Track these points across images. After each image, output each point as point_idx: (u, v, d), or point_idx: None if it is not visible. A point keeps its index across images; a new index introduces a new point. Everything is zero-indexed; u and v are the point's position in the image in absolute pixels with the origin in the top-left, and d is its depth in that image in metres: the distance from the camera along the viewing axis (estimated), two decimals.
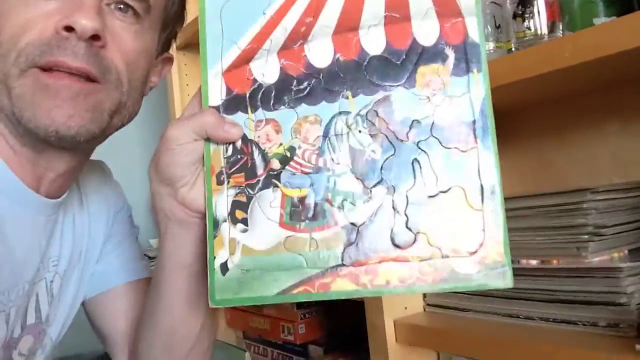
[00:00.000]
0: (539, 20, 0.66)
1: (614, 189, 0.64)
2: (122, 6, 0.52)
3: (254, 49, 0.50)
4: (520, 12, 0.65)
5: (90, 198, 0.66)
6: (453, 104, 0.48)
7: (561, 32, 0.66)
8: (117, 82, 0.52)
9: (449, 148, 0.48)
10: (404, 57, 0.48)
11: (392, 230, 0.48)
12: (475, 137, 0.47)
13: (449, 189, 0.47)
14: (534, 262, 0.64)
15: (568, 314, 0.62)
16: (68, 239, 0.62)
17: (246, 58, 0.50)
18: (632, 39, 0.52)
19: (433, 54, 0.48)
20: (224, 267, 0.49)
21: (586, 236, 0.60)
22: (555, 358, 0.57)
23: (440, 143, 0.48)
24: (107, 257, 0.68)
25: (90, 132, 0.51)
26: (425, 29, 0.48)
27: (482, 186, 0.47)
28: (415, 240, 0.47)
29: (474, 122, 0.47)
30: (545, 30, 0.66)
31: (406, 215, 0.48)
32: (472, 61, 0.47)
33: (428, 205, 0.47)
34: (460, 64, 0.48)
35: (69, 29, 0.48)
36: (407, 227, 0.47)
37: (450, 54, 0.48)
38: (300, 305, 1.09)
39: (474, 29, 0.47)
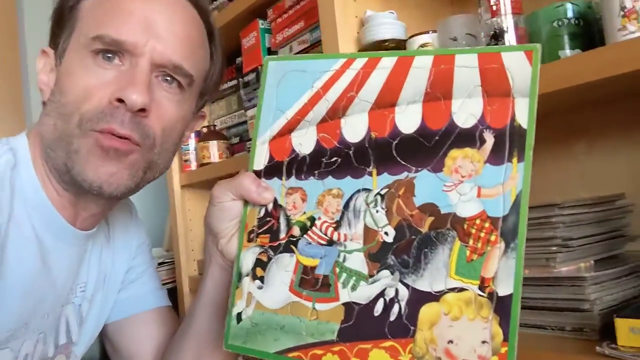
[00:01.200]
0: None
1: (580, 204, 0.66)
2: (168, 78, 0.57)
3: (298, 119, 0.52)
4: (494, 44, 0.65)
5: (117, 233, 0.72)
6: (482, 195, 0.44)
7: None
8: (152, 145, 0.56)
9: (467, 245, 0.44)
10: (437, 138, 0.46)
11: (389, 318, 0.46)
12: (500, 236, 0.43)
13: (458, 289, 0.43)
14: None
15: (537, 320, 0.65)
16: (94, 267, 0.67)
17: (290, 128, 0.52)
18: (595, 72, 0.56)
19: (469, 137, 0.44)
20: (239, 317, 0.51)
21: (554, 248, 0.63)
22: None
23: (458, 237, 0.45)
24: (131, 285, 0.73)
25: (126, 188, 0.56)
26: (467, 110, 0.45)
27: (495, 294, 0.42)
28: (410, 335, 0.44)
29: (503, 218, 0.43)
30: None
31: (407, 306, 0.45)
32: (514, 148, 0.43)
33: (432, 301, 0.44)
34: (499, 150, 0.43)
35: (121, 100, 0.53)
36: (405, 319, 0.45)
37: (489, 139, 0.44)
38: None
39: (524, 112, 0.43)
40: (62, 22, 0.58)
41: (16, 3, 2.00)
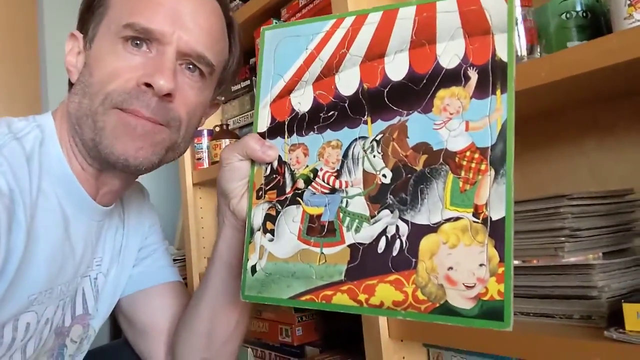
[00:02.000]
0: (519, 43, 0.69)
1: (588, 196, 0.67)
2: (191, 67, 0.61)
3: (295, 81, 0.55)
4: None
5: (131, 214, 0.76)
6: (470, 128, 0.46)
7: (539, 54, 0.70)
8: (178, 127, 0.61)
9: (459, 176, 0.46)
10: (425, 81, 0.48)
11: (392, 254, 0.48)
12: (489, 165, 0.45)
13: (454, 218, 0.46)
14: (516, 262, 0.67)
15: (545, 308, 0.66)
16: (109, 244, 0.71)
17: (289, 89, 0.55)
18: (601, 59, 0.56)
19: (454, 77, 0.46)
20: (253, 269, 0.54)
21: (563, 238, 0.64)
22: (536, 347, 0.62)
23: (450, 170, 0.47)
24: (144, 261, 0.77)
25: (150, 163, 0.60)
26: (450, 51, 0.47)
27: (489, 219, 0.44)
28: (413, 266, 0.47)
29: (491, 147, 0.45)
30: (524, 52, 0.70)
31: (407, 241, 0.47)
32: (496, 81, 0.45)
33: (430, 233, 0.46)
34: (483, 85, 0.45)
35: (148, 85, 0.56)
36: (406, 252, 0.47)
37: (473, 76, 0.46)
38: (297, 308, 1.08)
39: (503, 46, 0.45)
40: (92, 9, 0.62)
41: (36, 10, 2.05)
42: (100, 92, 0.58)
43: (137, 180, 0.78)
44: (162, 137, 0.60)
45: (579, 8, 0.67)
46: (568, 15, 0.67)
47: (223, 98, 1.43)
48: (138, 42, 0.58)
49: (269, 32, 0.59)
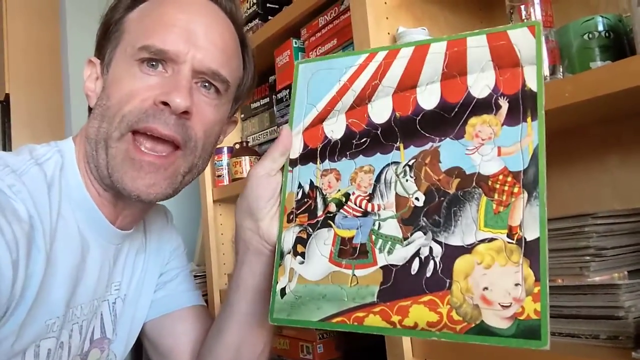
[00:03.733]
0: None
1: (613, 214, 0.67)
2: (207, 84, 0.62)
3: (328, 110, 0.58)
4: None
5: (152, 237, 0.77)
6: (502, 153, 0.49)
7: (561, 74, 0.70)
8: (194, 148, 0.61)
9: (492, 199, 0.48)
10: (456, 110, 0.51)
11: (425, 275, 0.49)
12: (522, 187, 0.47)
13: (488, 239, 0.47)
14: None
15: (572, 328, 0.66)
16: (129, 267, 0.72)
17: (321, 118, 0.58)
18: (625, 81, 0.57)
19: (485, 105, 0.49)
20: (283, 292, 0.55)
21: (588, 257, 0.64)
22: None
23: (484, 193, 0.49)
24: (167, 285, 0.77)
25: (165, 195, 0.61)
26: (481, 82, 0.50)
27: (523, 239, 0.46)
28: (447, 287, 0.48)
29: (524, 171, 0.47)
30: (547, 73, 0.69)
31: (441, 262, 0.49)
32: (527, 109, 0.48)
33: (465, 254, 0.48)
34: (514, 113, 0.48)
35: (165, 103, 0.57)
36: (440, 273, 0.48)
37: (504, 104, 0.49)
38: None
39: (533, 77, 0.48)
40: (108, 35, 0.64)
41: (59, 18, 2.13)
42: (117, 114, 0.59)
43: (160, 204, 0.79)
44: (175, 167, 0.60)
45: (601, 28, 0.67)
46: (590, 36, 0.68)
47: (243, 115, 1.46)
48: (154, 63, 0.60)
49: (303, 65, 0.62)
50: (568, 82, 0.63)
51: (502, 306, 0.45)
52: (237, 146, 1.39)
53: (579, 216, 0.65)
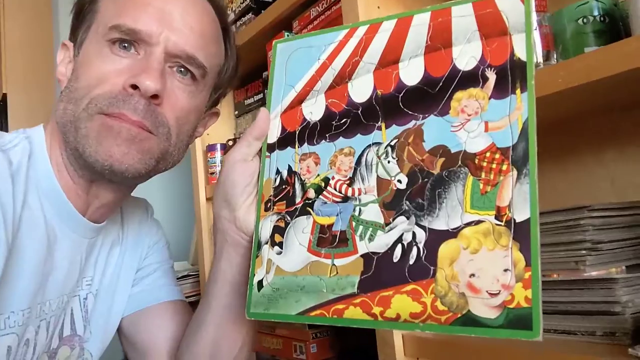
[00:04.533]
0: (535, 50, 0.64)
1: (610, 207, 0.65)
2: (182, 69, 0.59)
3: (307, 90, 0.55)
4: None
5: (130, 231, 0.74)
6: (489, 129, 0.45)
7: (555, 60, 0.68)
8: (167, 134, 0.59)
9: (479, 178, 0.45)
10: (441, 84, 0.48)
11: (408, 262, 0.46)
12: (511, 164, 0.44)
13: (475, 222, 0.44)
14: None
15: (567, 325, 0.64)
16: (102, 262, 0.69)
17: (300, 99, 0.55)
18: (620, 64, 0.54)
19: (471, 78, 0.46)
20: (260, 284, 0.52)
21: (584, 251, 0.62)
22: None
23: (470, 172, 0.45)
24: (143, 280, 0.75)
25: (137, 171, 0.57)
26: (467, 54, 0.47)
27: (513, 220, 0.42)
28: (431, 275, 0.44)
29: (512, 147, 0.44)
30: (541, 59, 0.68)
31: (425, 248, 0.45)
32: (516, 80, 0.44)
33: (450, 239, 0.44)
34: (502, 85, 0.45)
35: (135, 87, 0.55)
36: (424, 260, 0.45)
37: (491, 76, 0.45)
38: (312, 324, 1.05)
39: (522, 46, 0.45)
40: (81, 16, 0.62)
41: (53, 16, 2.14)
42: (85, 96, 0.57)
43: (142, 198, 0.77)
44: (149, 145, 0.58)
45: (596, 12, 0.66)
46: (585, 20, 0.66)
47: (236, 112, 1.43)
48: (126, 44, 0.57)
49: (281, 44, 0.59)
50: (561, 68, 0.61)
51: (490, 294, 0.41)
52: (231, 143, 1.36)
53: (574, 209, 0.63)
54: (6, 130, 2.15)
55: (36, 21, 2.21)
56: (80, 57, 0.60)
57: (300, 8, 1.09)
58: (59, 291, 0.62)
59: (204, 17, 0.62)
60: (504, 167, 0.43)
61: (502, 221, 0.42)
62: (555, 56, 0.69)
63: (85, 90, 0.57)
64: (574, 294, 0.63)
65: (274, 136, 0.57)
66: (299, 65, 0.57)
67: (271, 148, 0.56)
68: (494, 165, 0.44)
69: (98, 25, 0.60)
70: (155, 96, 0.57)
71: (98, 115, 0.56)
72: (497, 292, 0.41)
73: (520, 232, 0.41)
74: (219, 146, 1.37)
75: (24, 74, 2.16)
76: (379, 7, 0.88)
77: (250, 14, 1.26)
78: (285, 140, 0.56)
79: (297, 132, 0.55)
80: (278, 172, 0.55)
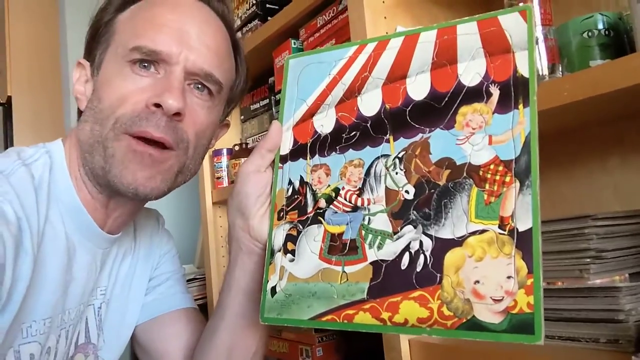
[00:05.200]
0: (540, 63, 0.69)
1: (614, 216, 0.67)
2: (200, 86, 0.62)
3: (318, 104, 0.58)
4: None
5: (142, 242, 0.77)
6: (493, 142, 0.48)
7: (561, 73, 0.70)
8: (186, 149, 0.62)
9: (483, 189, 0.47)
10: (446, 99, 0.50)
11: (415, 269, 0.48)
12: (514, 176, 0.46)
13: (479, 231, 0.46)
14: None
15: (571, 332, 0.66)
16: (115, 272, 0.71)
17: (311, 113, 0.58)
18: (625, 79, 0.56)
19: (476, 94, 0.49)
20: (273, 290, 0.54)
21: (588, 260, 0.64)
22: None
23: (475, 184, 0.48)
24: (156, 289, 0.77)
25: (160, 191, 0.61)
26: (472, 70, 0.49)
27: (516, 230, 0.45)
28: (438, 282, 0.47)
29: (515, 159, 0.46)
30: (546, 72, 0.69)
31: (431, 256, 0.48)
32: (519, 96, 0.47)
33: (455, 247, 0.47)
34: (505, 100, 0.47)
35: (157, 105, 0.58)
36: (431, 267, 0.48)
37: (495, 92, 0.48)
38: (318, 328, 1.07)
39: (524, 63, 0.47)
40: (98, 36, 0.64)
41: (59, 20, 2.16)
42: (110, 117, 0.59)
43: (153, 208, 0.79)
44: (170, 164, 0.61)
45: (601, 26, 0.67)
46: (590, 34, 0.68)
47: (242, 116, 1.46)
48: (146, 64, 0.60)
49: (293, 60, 0.62)
50: (566, 81, 0.62)
51: (494, 300, 0.44)
52: (237, 148, 1.39)
53: (579, 218, 0.65)
54: (11, 133, 2.18)
55: (42, 23, 2.22)
56: (101, 77, 0.63)
57: (307, 16, 1.12)
58: (78, 301, 0.65)
59: (218, 34, 0.65)
60: (507, 179, 0.46)
61: (505, 230, 0.45)
62: (560, 69, 0.70)
63: (109, 111, 0.59)
64: (578, 301, 0.65)
65: (286, 148, 0.59)
66: (311, 80, 0.60)
67: (284, 159, 0.59)
68: (497, 177, 0.46)
69: (117, 46, 0.62)
70: (177, 114, 0.59)
71: (124, 135, 0.58)
72: (501, 298, 0.43)
73: (522, 241, 0.44)
74: (225, 151, 1.40)
75: (29, 76, 2.18)
76: (385, 17, 0.90)
77: (256, 21, 1.28)
78: (297, 152, 0.58)
79: (308, 144, 0.58)
80: (290, 182, 0.58)
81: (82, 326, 0.68)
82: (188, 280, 1.45)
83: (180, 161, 0.62)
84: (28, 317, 0.58)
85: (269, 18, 1.22)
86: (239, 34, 1.16)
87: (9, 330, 0.55)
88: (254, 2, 1.28)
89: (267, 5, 1.26)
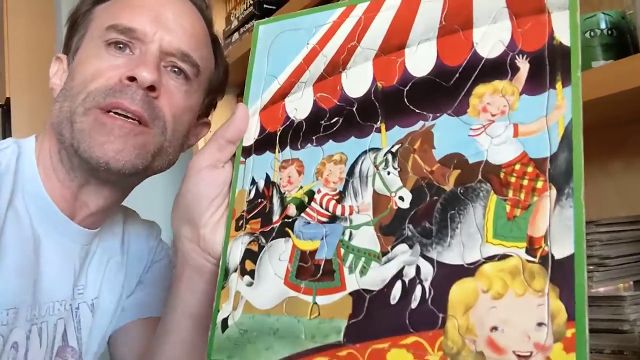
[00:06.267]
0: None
1: (617, 221, 0.66)
2: (176, 69, 0.61)
3: (292, 82, 0.46)
4: None
5: (132, 245, 0.73)
6: (520, 133, 0.36)
7: None
8: (163, 128, 0.59)
9: (506, 198, 0.35)
10: (457, 75, 0.38)
11: (410, 305, 0.36)
12: (549, 181, 0.34)
13: (499, 256, 0.34)
14: None
15: None
16: (94, 271, 0.67)
17: (283, 93, 0.46)
18: (628, 80, 0.55)
19: (497, 68, 0.37)
20: (224, 324, 0.43)
21: (591, 267, 0.63)
22: None
23: (493, 190, 0.36)
24: (133, 295, 0.73)
25: (134, 167, 0.57)
26: (492, 37, 0.38)
27: (550, 257, 0.33)
28: (439, 325, 0.35)
29: (550, 158, 0.34)
30: None
31: (432, 287, 0.36)
32: (556, 71, 0.35)
33: (465, 277, 0.35)
34: (537, 77, 0.36)
35: (132, 79, 0.57)
36: (430, 304, 0.35)
37: (523, 65, 0.36)
38: None
39: (565, 26, 0.35)
40: (76, 26, 0.65)
41: (57, 20, 2.18)
42: (81, 92, 0.58)
43: (152, 220, 0.79)
44: (144, 139, 0.58)
45: (603, 26, 0.66)
46: (592, 34, 0.66)
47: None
48: (121, 45, 0.60)
49: (264, 26, 0.51)
50: None
51: (519, 356, 0.31)
52: None
53: None
54: (9, 134, 2.21)
55: (39, 24, 2.27)
56: (76, 60, 0.62)
57: None
58: (47, 296, 0.62)
59: (196, 22, 0.65)
60: (539, 185, 0.34)
61: (535, 256, 0.33)
62: None
63: (81, 86, 0.58)
64: None
65: (250, 138, 0.48)
66: (284, 51, 0.48)
67: (247, 152, 0.47)
68: (525, 182, 0.34)
69: (93, 30, 0.62)
70: (152, 88, 0.57)
71: (94, 110, 0.57)
72: (528, 354, 0.31)
73: (560, 273, 0.32)
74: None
75: (27, 77, 2.23)
76: None
77: (253, 21, 1.25)
78: (264, 143, 0.47)
79: (278, 133, 0.46)
80: (254, 182, 0.46)
81: (60, 328, 0.64)
82: None
83: (157, 141, 0.59)
84: None
85: (266, 18, 1.17)
86: (236, 35, 1.28)
87: None
88: (251, 2, 1.26)
89: (265, 6, 1.25)
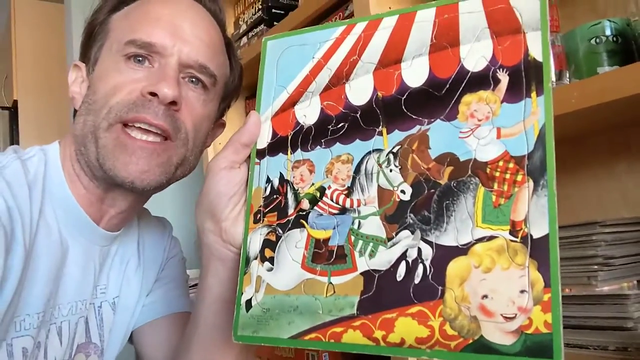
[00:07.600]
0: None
1: (622, 222, 0.68)
2: (194, 79, 0.63)
3: (300, 92, 0.52)
4: None
5: (147, 245, 0.77)
6: (502, 135, 0.43)
7: (568, 79, 0.71)
8: (185, 140, 0.62)
9: (491, 189, 0.42)
10: (448, 86, 0.45)
11: (413, 281, 0.43)
12: (527, 175, 0.41)
13: (487, 237, 0.41)
14: None
15: (580, 339, 0.67)
16: (119, 272, 0.71)
17: (293, 101, 0.52)
18: (634, 86, 0.56)
19: (481, 80, 0.44)
20: (248, 304, 0.49)
21: (596, 266, 0.65)
22: None
23: (481, 183, 0.43)
24: (155, 292, 0.77)
25: (159, 183, 0.60)
26: (476, 53, 0.44)
27: (529, 237, 0.40)
28: (439, 296, 0.42)
29: (528, 155, 0.41)
30: (553, 79, 0.70)
31: (432, 266, 0.43)
32: (531, 83, 0.42)
33: (459, 256, 0.42)
34: (515, 88, 0.42)
35: (153, 94, 0.59)
36: (431, 279, 0.42)
37: (503, 78, 0.43)
38: None
39: (537, 45, 0.42)
40: (93, 36, 0.66)
41: (65, 26, 2.20)
42: (104, 106, 0.60)
43: (163, 217, 0.82)
44: (168, 155, 0.61)
45: (609, 32, 0.67)
46: (598, 40, 0.68)
47: None
48: (140, 58, 0.61)
49: (272, 41, 0.56)
50: (574, 88, 0.62)
51: (505, 318, 0.39)
52: None
53: (586, 224, 0.66)
54: (17, 136, 2.26)
55: (48, 28, 2.33)
56: (96, 73, 0.64)
57: (313, 22, 1.10)
58: (70, 297, 0.64)
59: (211, 30, 0.67)
60: (519, 178, 0.41)
61: (517, 237, 0.40)
62: (567, 76, 0.70)
63: (103, 101, 0.60)
64: (586, 309, 0.65)
65: (264, 141, 0.54)
66: (292, 64, 0.54)
67: (261, 154, 0.53)
68: (507, 176, 0.41)
69: (112, 43, 0.63)
70: (174, 103, 0.60)
71: (116, 125, 0.59)
72: (513, 315, 0.38)
73: (538, 250, 0.39)
74: None
75: (34, 80, 2.29)
76: None
77: (262, 26, 1.28)
78: (277, 146, 0.53)
79: (289, 137, 0.52)
80: (268, 180, 0.52)
81: (82, 325, 0.67)
82: (193, 286, 1.44)
83: (180, 152, 0.62)
84: (22, 311, 0.58)
85: (275, 23, 1.22)
86: (244, 39, 1.31)
87: (3, 323, 0.55)
88: (260, 7, 1.28)
89: (273, 10, 1.27)
